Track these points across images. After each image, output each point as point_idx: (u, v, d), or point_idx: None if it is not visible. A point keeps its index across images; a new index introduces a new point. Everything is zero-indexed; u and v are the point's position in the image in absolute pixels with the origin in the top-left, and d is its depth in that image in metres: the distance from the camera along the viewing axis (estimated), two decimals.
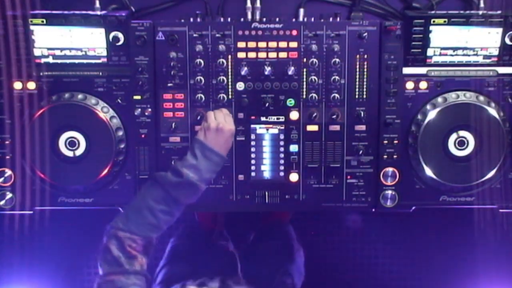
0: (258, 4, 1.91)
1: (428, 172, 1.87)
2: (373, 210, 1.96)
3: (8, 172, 1.89)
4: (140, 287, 1.58)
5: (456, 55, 1.87)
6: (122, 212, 1.68)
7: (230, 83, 1.88)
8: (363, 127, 1.90)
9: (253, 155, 1.92)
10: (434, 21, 1.82)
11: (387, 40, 1.86)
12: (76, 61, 1.85)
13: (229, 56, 1.87)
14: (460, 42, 1.86)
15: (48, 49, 1.84)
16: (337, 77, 1.87)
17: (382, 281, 2.58)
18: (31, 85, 1.85)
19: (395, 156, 1.91)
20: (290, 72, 1.86)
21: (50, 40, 1.83)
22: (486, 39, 1.85)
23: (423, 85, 1.88)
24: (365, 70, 1.88)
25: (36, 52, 1.84)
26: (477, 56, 1.87)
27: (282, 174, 1.93)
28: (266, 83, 1.88)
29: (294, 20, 1.93)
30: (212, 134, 1.73)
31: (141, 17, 1.98)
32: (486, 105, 1.85)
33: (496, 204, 1.94)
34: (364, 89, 1.89)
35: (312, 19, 1.90)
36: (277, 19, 1.87)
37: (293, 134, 1.91)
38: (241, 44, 1.86)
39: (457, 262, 2.48)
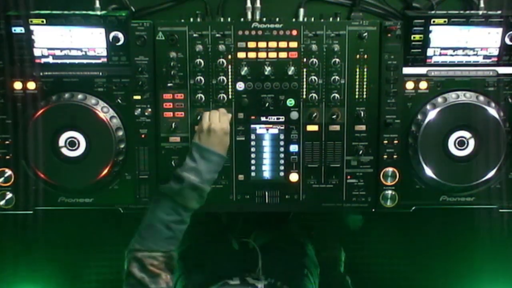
0: (258, 4, 1.91)
1: (428, 172, 1.87)
2: (373, 210, 1.96)
3: (8, 172, 1.89)
4: None
5: (456, 55, 1.87)
6: (136, 234, 1.67)
7: (230, 83, 1.88)
8: (363, 127, 1.90)
9: (253, 155, 1.92)
10: (434, 21, 1.82)
11: (387, 40, 1.86)
12: (76, 61, 1.85)
13: (229, 56, 1.87)
14: (460, 42, 1.85)
15: (48, 49, 1.84)
16: (337, 77, 1.87)
17: (382, 281, 2.57)
18: (31, 85, 1.85)
19: (395, 156, 1.91)
20: (290, 72, 1.86)
21: (50, 40, 1.83)
22: (486, 39, 1.85)
23: (423, 85, 1.88)
24: (365, 70, 1.88)
25: (36, 52, 1.84)
26: (477, 56, 1.87)
27: (282, 174, 1.93)
28: (266, 83, 1.88)
29: (294, 20, 1.93)
30: (205, 135, 1.74)
31: (141, 17, 1.98)
32: (486, 105, 1.85)
33: (496, 204, 1.94)
34: (364, 89, 1.89)
35: (312, 19, 1.90)
36: (277, 19, 1.87)
37: (293, 134, 1.91)
38: (241, 44, 1.86)
39: (457, 262, 2.48)
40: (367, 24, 1.86)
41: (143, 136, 1.90)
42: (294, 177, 1.92)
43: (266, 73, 1.86)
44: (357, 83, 1.89)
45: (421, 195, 1.93)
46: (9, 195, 1.90)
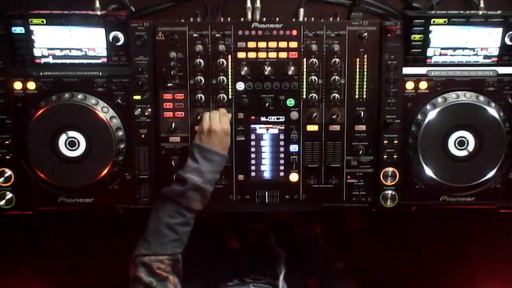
0: (258, 4, 1.91)
1: (428, 172, 1.87)
2: (373, 210, 1.96)
3: (8, 172, 1.89)
4: None
5: (456, 55, 1.87)
6: (141, 239, 1.67)
7: (230, 83, 1.88)
8: (363, 127, 1.90)
9: (253, 155, 1.92)
10: (434, 21, 1.82)
11: (387, 40, 1.86)
12: (76, 61, 1.86)
13: (229, 56, 1.87)
14: (460, 42, 1.86)
15: (48, 49, 1.84)
16: (337, 77, 1.87)
17: (382, 281, 2.57)
18: (31, 85, 1.86)
19: (395, 156, 1.91)
20: (290, 72, 1.86)
21: (50, 40, 1.83)
22: (486, 39, 1.85)
23: (423, 85, 1.89)
24: (365, 70, 1.88)
25: (36, 52, 1.84)
26: (477, 56, 1.87)
27: (282, 174, 1.93)
28: (266, 83, 1.88)
29: (294, 20, 1.93)
30: (206, 136, 1.74)
31: (141, 17, 1.98)
32: (486, 105, 1.85)
33: (496, 204, 1.94)
34: (364, 89, 1.89)
35: (312, 19, 1.90)
36: (277, 19, 1.87)
37: (293, 134, 1.91)
38: (241, 44, 1.86)
39: (457, 262, 2.48)
40: (367, 24, 1.86)
41: (143, 136, 1.90)
42: (294, 177, 1.92)
43: (266, 73, 1.86)
44: (357, 83, 1.89)
45: (421, 195, 1.93)
46: (9, 195, 1.90)
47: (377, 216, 2.05)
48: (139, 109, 1.88)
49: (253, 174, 1.93)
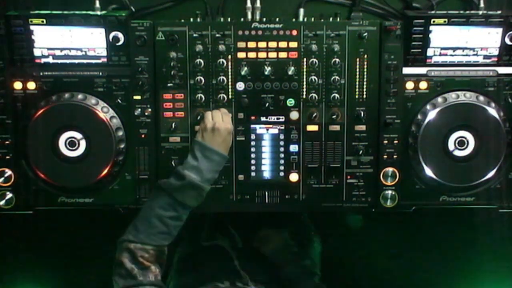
0: (258, 4, 1.91)
1: (428, 172, 1.87)
2: (373, 210, 1.96)
3: (8, 172, 1.89)
4: None
5: (456, 55, 1.87)
6: (131, 224, 1.68)
7: (230, 83, 1.88)
8: (363, 127, 1.90)
9: (253, 155, 1.92)
10: (434, 21, 1.82)
11: (387, 40, 1.86)
12: (76, 61, 1.85)
13: (229, 56, 1.87)
14: (460, 42, 1.86)
15: (48, 49, 1.84)
16: (337, 77, 1.87)
17: (382, 281, 2.57)
18: (31, 85, 1.85)
19: (395, 156, 1.91)
20: (290, 72, 1.86)
21: (50, 40, 1.83)
22: (486, 39, 1.85)
23: (423, 85, 1.88)
24: (365, 70, 1.88)
25: (36, 52, 1.84)
26: (477, 56, 1.87)
27: (282, 174, 1.93)
28: (266, 83, 1.88)
29: (294, 20, 1.93)
30: (209, 134, 1.74)
31: (141, 17, 1.98)
32: (486, 105, 1.85)
33: (496, 204, 1.94)
34: (364, 89, 1.89)
35: (312, 19, 1.90)
36: (277, 19, 1.87)
37: (293, 134, 1.91)
38: (241, 44, 1.86)
39: (457, 262, 2.48)
40: (367, 24, 1.86)
41: (143, 136, 1.90)
42: (294, 177, 1.92)
43: (266, 73, 1.86)
44: (357, 83, 1.89)
45: (421, 195, 1.93)
46: (9, 195, 1.90)
47: (377, 216, 2.05)
48: (139, 109, 1.88)
49: (253, 174, 1.92)
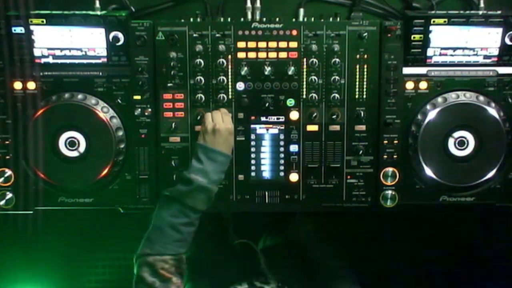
0: (258, 4, 1.91)
1: (428, 172, 1.87)
2: (373, 210, 1.95)
3: (8, 172, 1.89)
4: None
5: (456, 55, 1.87)
6: (144, 239, 1.67)
7: (230, 83, 1.88)
8: (363, 127, 1.90)
9: (253, 155, 1.92)
10: (434, 21, 1.82)
11: (387, 40, 1.86)
12: (76, 61, 1.85)
13: (229, 56, 1.87)
14: (460, 42, 1.86)
15: (48, 49, 1.84)
16: (337, 77, 1.87)
17: (382, 281, 2.57)
18: (31, 85, 1.85)
19: (395, 156, 1.91)
20: (290, 72, 1.86)
21: (50, 40, 1.83)
22: (486, 39, 1.85)
23: (423, 85, 1.88)
24: (365, 70, 1.88)
25: (36, 52, 1.84)
26: (477, 56, 1.87)
27: (282, 174, 1.93)
28: (266, 83, 1.88)
29: (294, 20, 1.93)
30: (210, 136, 1.74)
31: (141, 17, 1.98)
32: (486, 105, 1.85)
33: (496, 204, 1.94)
34: (364, 89, 1.89)
35: (312, 19, 1.90)
36: (277, 19, 1.87)
37: (293, 134, 1.91)
38: (241, 44, 1.86)
39: (457, 262, 2.48)
40: (367, 24, 1.86)
41: (143, 136, 1.90)
42: (294, 177, 1.92)
43: (266, 73, 1.86)
44: (357, 83, 1.89)
45: (421, 195, 1.93)
46: (9, 195, 1.90)
47: (377, 216, 2.05)
48: (139, 109, 1.88)
49: (253, 174, 1.92)
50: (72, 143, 1.84)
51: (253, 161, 1.92)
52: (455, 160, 1.87)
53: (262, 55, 1.87)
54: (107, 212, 1.93)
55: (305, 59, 1.87)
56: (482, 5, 1.92)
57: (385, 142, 1.90)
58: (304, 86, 1.89)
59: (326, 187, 1.93)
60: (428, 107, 1.87)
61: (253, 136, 1.91)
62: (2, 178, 1.89)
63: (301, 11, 1.94)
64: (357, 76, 1.88)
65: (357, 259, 2.47)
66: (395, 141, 1.90)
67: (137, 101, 1.88)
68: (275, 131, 1.91)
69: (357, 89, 1.89)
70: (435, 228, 2.48)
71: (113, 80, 1.87)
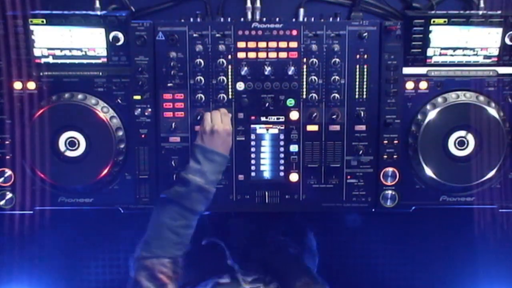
0: (258, 4, 1.91)
1: (428, 172, 1.87)
2: (373, 210, 1.96)
3: (8, 172, 1.89)
4: None
5: (456, 55, 1.87)
6: (142, 242, 1.67)
7: (230, 83, 1.88)
8: (363, 127, 1.90)
9: (253, 155, 1.92)
10: (434, 21, 1.82)
11: (387, 40, 1.86)
12: (76, 61, 1.85)
13: (229, 56, 1.87)
14: (460, 42, 1.86)
15: (48, 49, 1.84)
16: (337, 77, 1.87)
17: (382, 281, 2.57)
18: (31, 85, 1.85)
19: (395, 156, 1.91)
20: (290, 72, 1.86)
21: (50, 40, 1.83)
22: (486, 39, 1.85)
23: (423, 85, 1.88)
24: (365, 70, 1.88)
25: (36, 52, 1.84)
26: (477, 56, 1.87)
27: (282, 174, 1.93)
28: (266, 83, 1.88)
29: (294, 20, 1.93)
30: (208, 136, 1.75)
31: (141, 17, 1.98)
32: (486, 105, 1.85)
33: (496, 204, 1.94)
34: (364, 89, 1.89)
35: (312, 19, 1.90)
36: (277, 19, 1.87)
37: (293, 134, 1.91)
38: (241, 44, 1.86)
39: (457, 262, 2.48)
40: (367, 24, 1.86)
41: (143, 136, 1.90)
42: (294, 177, 1.92)
43: (266, 73, 1.86)
44: (357, 83, 1.89)
45: (421, 195, 1.93)
46: (9, 195, 1.90)
47: (377, 216, 2.05)
48: (139, 109, 1.88)
49: (253, 174, 1.92)
50: (72, 143, 1.84)
51: (253, 161, 1.92)
52: (455, 160, 1.87)
53: (262, 55, 1.87)
54: (107, 212, 1.93)
55: (305, 59, 1.87)
56: (482, 5, 1.92)
57: (385, 142, 1.91)
58: (304, 86, 1.89)
59: (326, 187, 1.93)
60: (428, 107, 1.87)
61: (253, 136, 1.91)
62: (2, 178, 1.89)
63: (301, 11, 1.94)
64: (357, 76, 1.88)
65: (357, 258, 2.48)
66: (395, 141, 1.90)
67: (137, 101, 1.88)
68: (275, 131, 1.91)
69: (357, 89, 1.89)
70: (435, 228, 2.48)
71: (113, 80, 1.87)
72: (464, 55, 1.87)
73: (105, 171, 1.85)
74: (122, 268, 2.50)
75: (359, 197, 1.94)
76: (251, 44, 1.86)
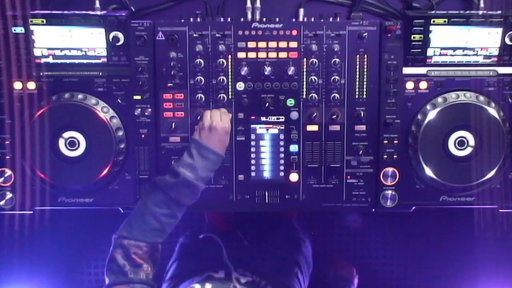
0: (258, 4, 1.91)
1: (428, 172, 1.87)
2: (373, 210, 1.96)
3: (8, 172, 1.89)
4: None
5: (456, 55, 1.87)
6: (126, 220, 1.69)
7: (230, 83, 1.88)
8: (363, 127, 1.90)
9: (253, 155, 1.92)
10: (434, 21, 1.82)
11: (387, 40, 1.86)
12: (76, 61, 1.86)
13: (229, 56, 1.87)
14: (460, 42, 1.86)
15: (48, 49, 1.84)
16: (337, 77, 1.87)
17: (382, 281, 2.58)
18: (31, 85, 1.85)
19: (395, 156, 1.91)
20: (290, 72, 1.86)
21: (50, 40, 1.83)
22: (486, 39, 1.85)
23: (423, 85, 1.88)
24: (365, 70, 1.88)
25: (36, 52, 1.84)
26: (477, 56, 1.87)
27: (282, 174, 1.93)
28: (266, 83, 1.88)
29: (294, 20, 1.93)
30: (206, 133, 1.75)
31: (141, 17, 1.98)
32: (486, 105, 1.85)
33: (496, 204, 1.94)
34: (364, 89, 1.89)
35: (312, 19, 1.90)
36: (277, 19, 1.87)
37: (293, 134, 1.91)
38: (241, 44, 1.86)
39: (457, 262, 2.48)
40: (367, 24, 1.86)
41: (143, 136, 1.90)
42: (294, 177, 1.92)
43: (266, 73, 1.86)
44: (357, 83, 1.89)
45: (421, 195, 1.93)
46: (9, 195, 1.90)
47: (377, 216, 2.05)
48: (139, 109, 1.88)
49: (253, 174, 1.92)
50: (72, 143, 1.84)
51: (253, 161, 1.92)
52: (455, 160, 1.87)
53: (262, 55, 1.87)
54: (107, 212, 1.93)
55: (305, 59, 1.87)
56: (482, 5, 1.92)
57: (385, 142, 1.90)
58: (304, 86, 1.89)
59: (326, 187, 1.93)
60: (428, 107, 1.87)
61: (253, 136, 1.91)
62: (2, 178, 1.89)
63: (301, 11, 1.94)
64: (357, 76, 1.88)
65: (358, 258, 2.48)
66: (395, 141, 1.90)
67: (137, 101, 1.88)
68: (275, 131, 1.91)
69: (357, 89, 1.89)
70: (435, 228, 2.48)
71: (113, 80, 1.87)
72: (464, 55, 1.87)
73: (105, 171, 1.85)
74: None
75: (359, 197, 1.94)
76: (251, 44, 1.86)
